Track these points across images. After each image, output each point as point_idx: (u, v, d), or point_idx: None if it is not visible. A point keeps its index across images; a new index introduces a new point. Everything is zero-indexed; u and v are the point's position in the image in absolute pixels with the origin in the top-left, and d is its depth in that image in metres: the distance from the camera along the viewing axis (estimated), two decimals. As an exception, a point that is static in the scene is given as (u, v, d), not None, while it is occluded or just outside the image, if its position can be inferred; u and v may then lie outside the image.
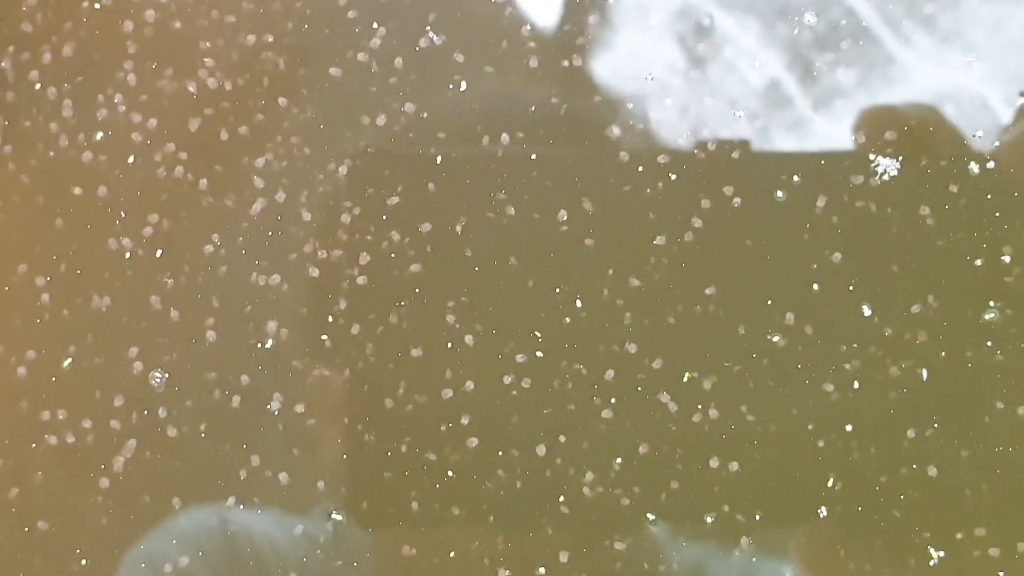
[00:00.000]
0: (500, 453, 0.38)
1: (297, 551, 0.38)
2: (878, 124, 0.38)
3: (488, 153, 0.39)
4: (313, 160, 0.39)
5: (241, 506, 0.38)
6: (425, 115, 0.39)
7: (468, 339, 0.38)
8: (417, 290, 0.38)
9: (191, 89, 0.39)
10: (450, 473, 0.38)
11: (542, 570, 0.38)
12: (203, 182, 0.39)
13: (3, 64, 0.39)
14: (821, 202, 0.38)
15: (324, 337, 0.38)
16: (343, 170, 0.39)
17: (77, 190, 0.39)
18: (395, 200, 0.38)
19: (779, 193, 0.38)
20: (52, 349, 0.38)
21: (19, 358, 0.39)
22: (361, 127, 0.39)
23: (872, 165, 0.38)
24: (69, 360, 0.38)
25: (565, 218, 0.38)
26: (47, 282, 0.39)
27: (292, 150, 0.39)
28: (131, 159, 0.39)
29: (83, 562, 0.38)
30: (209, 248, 0.38)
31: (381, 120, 0.39)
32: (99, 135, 0.39)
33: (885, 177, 0.38)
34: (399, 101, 0.39)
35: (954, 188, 0.38)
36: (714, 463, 0.37)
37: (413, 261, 0.38)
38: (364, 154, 0.39)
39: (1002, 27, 0.39)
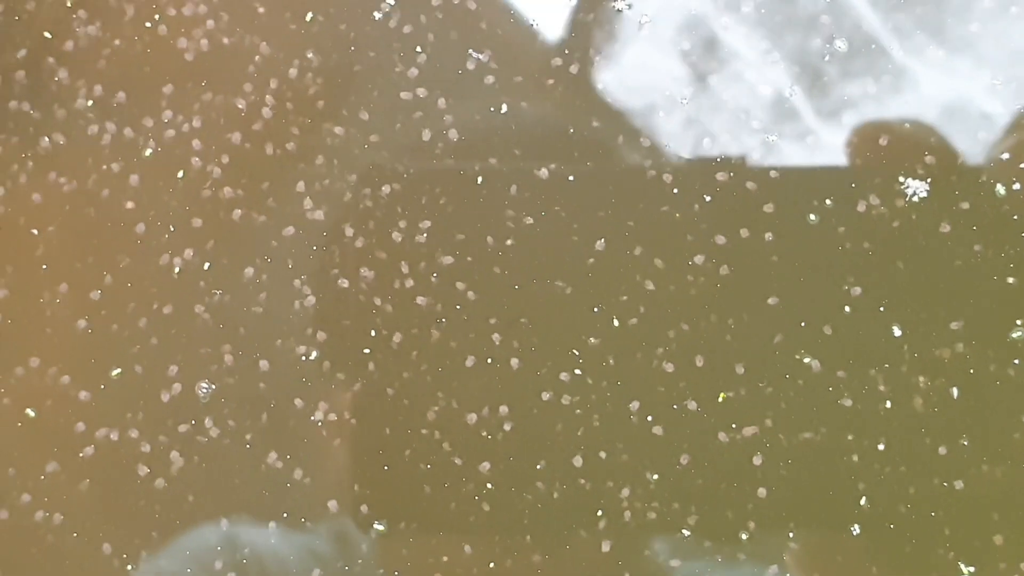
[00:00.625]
0: (539, 466, 0.38)
1: (312, 568, 0.38)
2: (910, 146, 0.39)
3: (526, 171, 0.39)
4: (354, 179, 0.40)
5: (279, 519, 0.39)
6: (464, 136, 0.40)
7: (512, 359, 0.38)
8: (458, 306, 0.39)
9: (239, 106, 0.40)
10: (489, 486, 0.38)
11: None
12: (244, 197, 0.39)
13: (58, 77, 0.40)
14: (851, 223, 0.39)
15: (366, 351, 0.39)
16: (386, 189, 0.39)
17: (130, 204, 0.39)
18: (432, 219, 0.39)
19: (812, 216, 0.39)
20: (101, 360, 0.39)
21: (65, 370, 0.39)
22: (402, 147, 0.39)
23: (902, 187, 0.39)
24: (118, 370, 0.39)
25: (602, 241, 0.39)
26: (97, 297, 0.39)
27: (334, 169, 0.40)
28: (180, 174, 0.39)
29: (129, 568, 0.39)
30: (250, 271, 0.39)
31: (423, 138, 0.39)
32: (147, 151, 0.40)
33: (915, 199, 0.39)
34: (439, 122, 0.40)
35: (980, 207, 0.39)
36: (747, 481, 0.38)
37: (457, 279, 0.39)
38: (403, 175, 0.39)
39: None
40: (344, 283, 0.39)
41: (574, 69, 0.40)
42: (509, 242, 0.39)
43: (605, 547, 0.38)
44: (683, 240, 0.39)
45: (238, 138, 0.39)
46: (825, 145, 0.40)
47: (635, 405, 0.38)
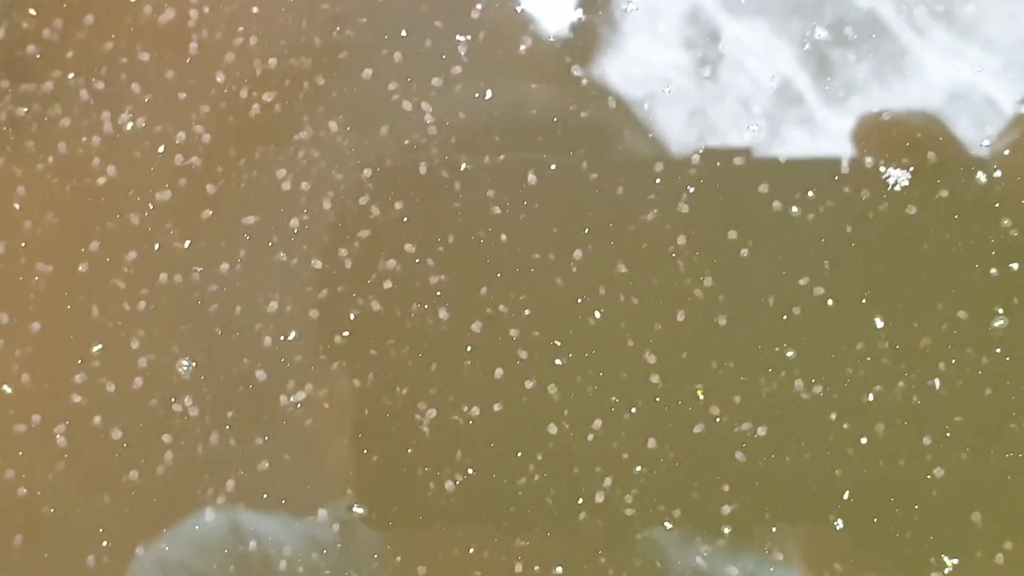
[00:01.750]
0: (519, 455, 0.38)
1: (309, 554, 0.38)
2: (886, 134, 0.39)
3: (509, 162, 0.39)
4: (337, 168, 0.39)
5: (261, 497, 0.38)
6: (447, 124, 0.39)
7: (493, 343, 0.38)
8: (439, 293, 0.38)
9: (219, 80, 0.39)
10: (470, 471, 0.38)
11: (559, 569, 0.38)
12: (224, 173, 0.39)
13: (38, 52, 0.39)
14: (833, 213, 0.38)
15: (345, 334, 0.38)
16: (367, 173, 0.39)
17: (101, 180, 0.39)
18: (416, 209, 0.39)
19: (794, 208, 0.39)
20: (81, 337, 0.38)
21: (45, 345, 0.39)
22: (382, 138, 0.39)
23: (884, 177, 0.39)
24: (99, 346, 0.38)
25: (586, 228, 0.39)
26: (79, 271, 0.39)
27: (317, 147, 0.39)
28: (161, 149, 0.39)
29: (104, 544, 0.38)
30: (225, 264, 0.39)
31: (403, 129, 0.39)
32: (128, 125, 0.39)
33: (897, 188, 0.39)
34: (421, 111, 0.39)
35: (959, 195, 0.38)
36: (727, 473, 0.38)
37: (435, 271, 0.38)
38: (383, 164, 0.39)
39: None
40: (319, 264, 0.39)
41: (552, 53, 0.40)
42: (487, 232, 0.39)
43: (587, 536, 0.38)
44: (664, 230, 0.39)
45: (220, 113, 0.39)
46: (821, 133, 0.40)
47: (616, 399, 0.38)
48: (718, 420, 0.38)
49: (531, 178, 0.39)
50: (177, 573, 0.38)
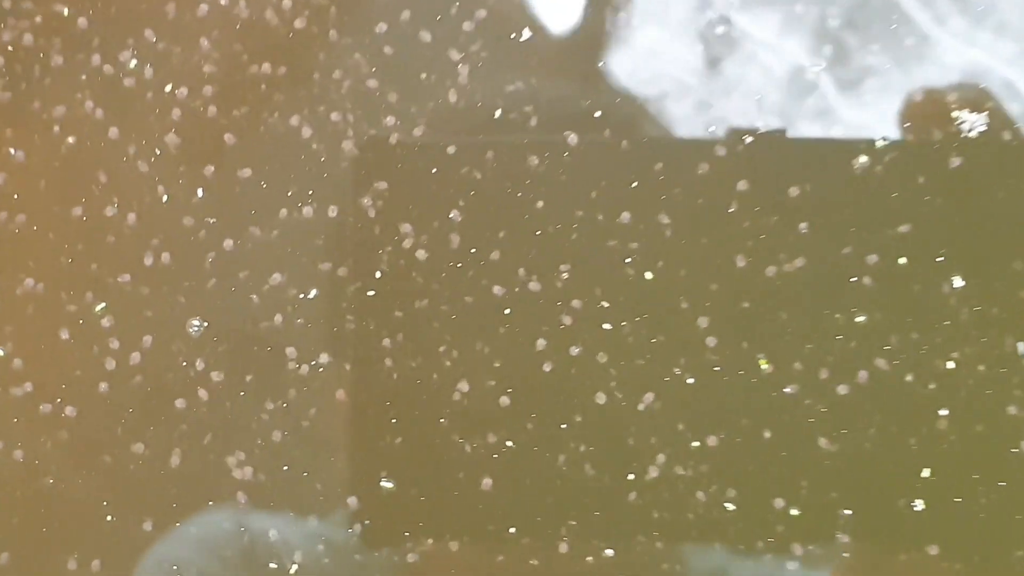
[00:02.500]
0: (563, 426, 0.36)
1: (315, 552, 0.36)
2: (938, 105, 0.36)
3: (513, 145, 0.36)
4: (355, 107, 0.37)
5: (280, 469, 0.36)
6: (439, 113, 0.37)
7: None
8: (473, 250, 0.36)
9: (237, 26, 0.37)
10: (509, 443, 0.36)
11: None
12: (239, 120, 0.37)
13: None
14: (903, 163, 0.36)
15: (370, 294, 0.36)
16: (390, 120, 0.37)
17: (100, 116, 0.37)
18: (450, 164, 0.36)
19: (863, 159, 0.36)
20: (79, 290, 0.36)
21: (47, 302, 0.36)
22: (383, 120, 0.37)
23: (958, 123, 0.36)
24: (103, 305, 0.36)
25: (634, 183, 0.36)
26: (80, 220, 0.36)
27: (333, 93, 0.37)
28: (168, 87, 0.37)
29: (108, 518, 0.36)
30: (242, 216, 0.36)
31: (409, 112, 0.37)
32: (133, 63, 0.36)
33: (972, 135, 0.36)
34: (426, 94, 0.37)
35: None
36: (794, 451, 0.35)
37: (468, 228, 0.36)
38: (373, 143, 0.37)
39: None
40: (342, 218, 0.36)
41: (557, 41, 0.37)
42: (528, 182, 0.36)
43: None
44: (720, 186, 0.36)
45: (234, 61, 0.37)
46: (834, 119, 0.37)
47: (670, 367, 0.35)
48: (786, 391, 0.35)
49: (572, 139, 0.36)
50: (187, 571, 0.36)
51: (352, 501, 0.36)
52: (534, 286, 0.36)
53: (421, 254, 0.36)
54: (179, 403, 0.36)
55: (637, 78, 0.38)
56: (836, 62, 0.38)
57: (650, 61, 0.38)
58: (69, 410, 0.36)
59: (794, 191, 0.36)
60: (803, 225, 0.36)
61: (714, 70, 0.38)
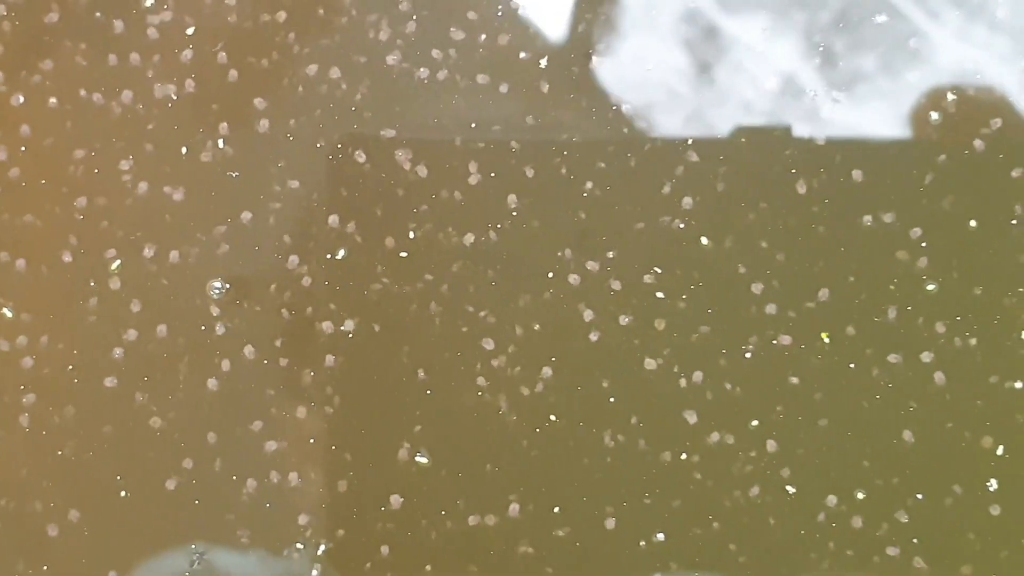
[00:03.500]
0: (612, 400, 0.34)
1: None
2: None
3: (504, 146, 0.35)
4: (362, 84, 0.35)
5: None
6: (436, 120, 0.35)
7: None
8: (515, 213, 0.34)
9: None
10: (552, 417, 0.34)
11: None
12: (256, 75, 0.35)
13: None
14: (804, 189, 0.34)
15: (403, 255, 0.34)
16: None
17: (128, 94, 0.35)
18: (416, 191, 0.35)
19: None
20: (96, 247, 0.34)
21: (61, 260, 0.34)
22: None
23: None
24: (118, 262, 0.34)
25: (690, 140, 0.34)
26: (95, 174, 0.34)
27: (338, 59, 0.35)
28: (191, 31, 0.35)
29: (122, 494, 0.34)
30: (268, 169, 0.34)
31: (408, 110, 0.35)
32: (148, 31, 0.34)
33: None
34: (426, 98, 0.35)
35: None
36: (860, 432, 0.34)
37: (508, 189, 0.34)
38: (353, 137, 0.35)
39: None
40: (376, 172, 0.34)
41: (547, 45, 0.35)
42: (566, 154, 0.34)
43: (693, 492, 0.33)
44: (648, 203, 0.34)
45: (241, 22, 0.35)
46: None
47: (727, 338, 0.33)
48: (850, 367, 0.33)
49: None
50: None
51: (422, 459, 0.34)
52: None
53: (459, 211, 0.34)
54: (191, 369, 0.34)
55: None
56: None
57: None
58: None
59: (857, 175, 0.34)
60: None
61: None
